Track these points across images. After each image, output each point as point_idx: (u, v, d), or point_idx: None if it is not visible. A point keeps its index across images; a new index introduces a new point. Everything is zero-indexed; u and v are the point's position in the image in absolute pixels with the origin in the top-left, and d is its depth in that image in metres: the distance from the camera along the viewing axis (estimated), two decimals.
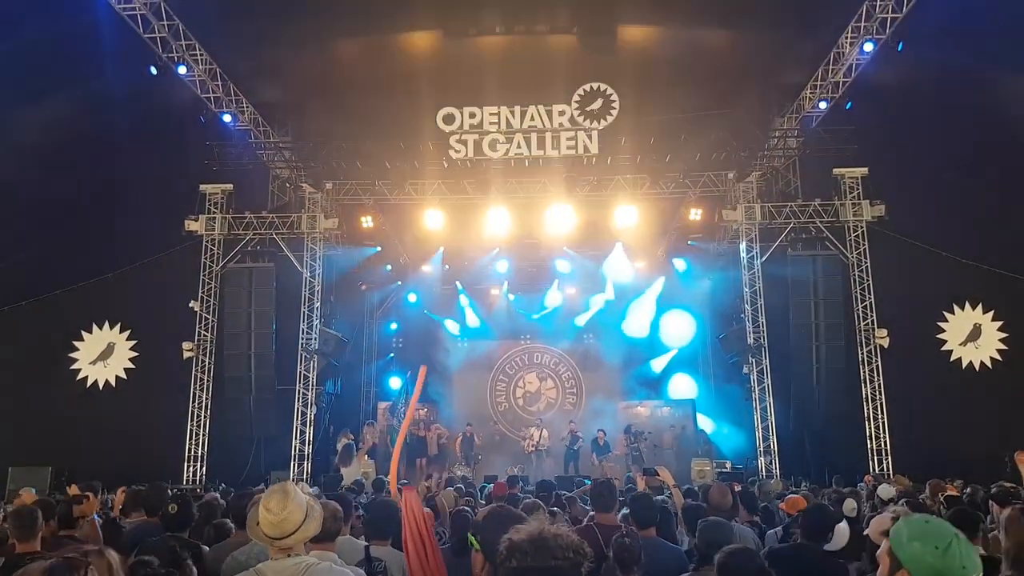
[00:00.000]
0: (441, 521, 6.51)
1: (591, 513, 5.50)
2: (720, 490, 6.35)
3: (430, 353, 22.13)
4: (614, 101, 15.67)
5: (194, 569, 3.39)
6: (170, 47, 14.91)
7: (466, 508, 5.76)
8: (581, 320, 22.68)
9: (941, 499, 8.04)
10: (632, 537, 4.14)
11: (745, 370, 17.23)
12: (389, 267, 20.09)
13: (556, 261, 20.60)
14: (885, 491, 7.53)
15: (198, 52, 15.55)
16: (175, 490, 8.08)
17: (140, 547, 3.84)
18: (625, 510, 5.24)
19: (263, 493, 3.42)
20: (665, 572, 4.35)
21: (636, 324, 21.74)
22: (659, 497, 6.78)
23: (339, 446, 17.01)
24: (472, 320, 22.91)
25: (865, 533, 4.79)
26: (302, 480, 15.58)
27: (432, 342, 22.36)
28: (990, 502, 6.28)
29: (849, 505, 6.38)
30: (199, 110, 16.42)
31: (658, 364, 22.20)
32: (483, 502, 8.33)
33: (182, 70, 15.50)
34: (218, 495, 8.01)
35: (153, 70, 14.87)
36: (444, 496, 7.75)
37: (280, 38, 15.55)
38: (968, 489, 9.58)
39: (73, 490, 6.94)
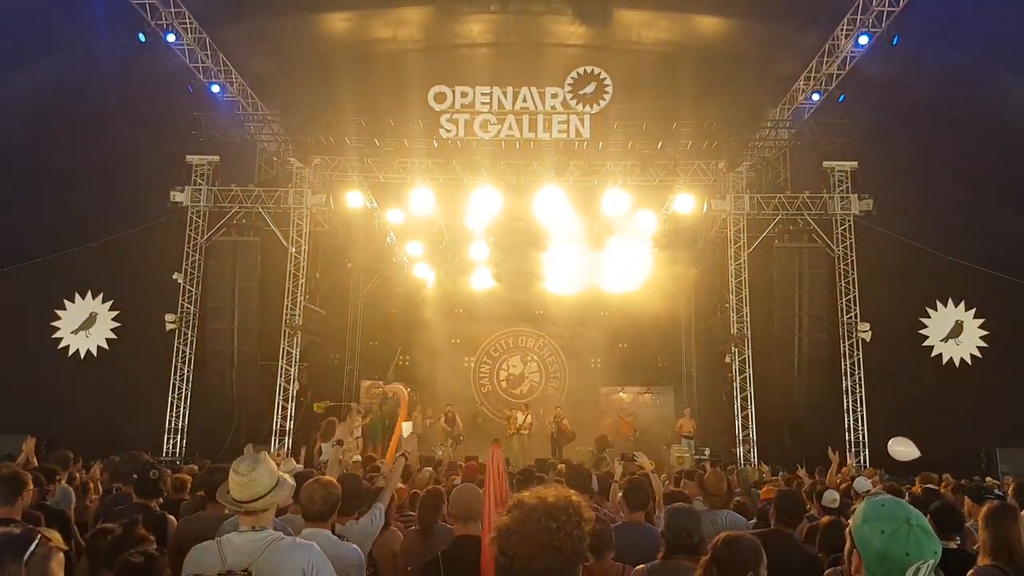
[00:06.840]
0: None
1: None
2: (716, 476, 6.11)
3: (415, 334, 22.15)
4: (607, 85, 15.57)
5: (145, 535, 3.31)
6: (159, 14, 14.67)
7: (438, 487, 5.73)
8: (567, 305, 22.67)
9: (919, 490, 8.09)
10: (602, 522, 4.03)
11: (727, 359, 17.29)
12: (375, 245, 19.97)
13: (544, 244, 20.53)
14: (861, 484, 7.55)
15: (187, 20, 15.31)
16: (148, 461, 8.04)
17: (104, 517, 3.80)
18: None
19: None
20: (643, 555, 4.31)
21: (621, 310, 21.73)
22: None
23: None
24: (458, 302, 22.86)
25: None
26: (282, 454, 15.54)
27: (417, 323, 22.33)
28: (964, 497, 6.32)
29: (830, 496, 6.37)
30: (187, 79, 16.19)
31: (642, 350, 22.26)
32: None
33: (171, 38, 15.24)
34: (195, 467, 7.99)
35: (141, 37, 14.62)
36: (420, 476, 7.75)
37: (271, 9, 15.35)
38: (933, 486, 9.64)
39: None
